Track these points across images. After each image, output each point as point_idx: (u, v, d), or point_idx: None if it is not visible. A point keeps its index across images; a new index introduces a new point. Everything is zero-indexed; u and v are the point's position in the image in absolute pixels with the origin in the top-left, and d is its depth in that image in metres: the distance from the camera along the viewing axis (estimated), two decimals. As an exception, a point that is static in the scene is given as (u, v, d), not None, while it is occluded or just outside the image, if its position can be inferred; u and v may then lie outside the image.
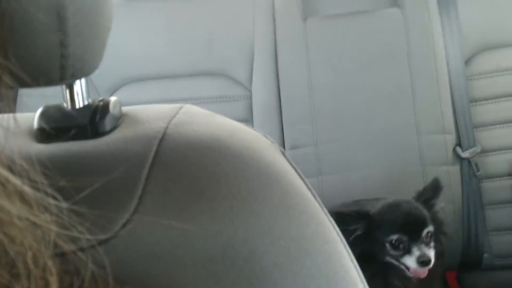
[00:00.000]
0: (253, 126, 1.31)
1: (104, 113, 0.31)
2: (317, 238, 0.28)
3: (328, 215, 0.31)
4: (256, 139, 0.32)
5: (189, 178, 0.27)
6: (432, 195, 1.03)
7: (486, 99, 1.27)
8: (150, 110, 0.33)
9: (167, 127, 0.30)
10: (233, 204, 0.27)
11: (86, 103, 0.32)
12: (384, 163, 1.25)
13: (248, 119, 1.33)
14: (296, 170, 0.32)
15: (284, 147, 1.29)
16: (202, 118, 0.32)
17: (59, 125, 0.31)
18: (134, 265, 0.24)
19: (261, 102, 1.33)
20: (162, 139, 0.29)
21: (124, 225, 0.25)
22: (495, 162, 1.26)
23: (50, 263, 0.20)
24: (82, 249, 0.23)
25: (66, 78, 0.27)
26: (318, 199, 0.31)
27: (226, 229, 0.26)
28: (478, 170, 1.24)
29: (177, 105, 0.33)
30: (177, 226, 0.25)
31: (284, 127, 1.30)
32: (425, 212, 1.00)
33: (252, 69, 1.34)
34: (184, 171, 0.28)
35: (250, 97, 1.34)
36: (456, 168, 1.25)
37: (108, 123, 0.31)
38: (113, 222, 0.25)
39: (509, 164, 1.23)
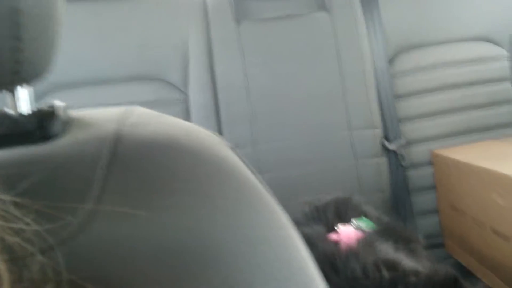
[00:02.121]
0: (192, 130, 1.32)
1: (52, 117, 0.31)
2: (272, 224, 0.29)
3: (279, 204, 0.33)
4: (208, 137, 0.33)
5: (148, 176, 0.27)
6: None
7: (409, 95, 1.38)
8: (99, 113, 0.33)
9: (119, 129, 0.30)
10: (193, 198, 0.27)
11: (31, 108, 0.31)
12: (320, 159, 1.32)
13: (186, 123, 1.33)
14: (246, 164, 0.33)
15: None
16: (154, 118, 0.33)
17: (5, 132, 0.30)
18: (92, 264, 0.24)
19: (198, 104, 1.34)
20: (117, 140, 0.29)
21: (80, 225, 0.25)
22: (418, 152, 1.37)
23: (2, 267, 0.20)
24: (40, 252, 0.23)
25: (16, 83, 0.26)
26: (268, 189, 0.33)
27: (188, 223, 0.26)
28: (404, 160, 1.34)
29: (126, 108, 0.34)
30: (134, 216, 0.25)
31: (222, 128, 1.33)
32: None
33: (187, 72, 1.34)
34: (143, 170, 0.28)
35: (187, 100, 1.35)
36: (384, 160, 1.34)
37: (57, 127, 0.31)
38: (70, 222, 0.25)
39: (430, 152, 1.35)
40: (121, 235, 0.25)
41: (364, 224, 0.82)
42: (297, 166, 1.31)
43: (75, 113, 0.34)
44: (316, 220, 0.84)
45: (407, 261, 0.72)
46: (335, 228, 0.81)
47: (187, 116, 1.35)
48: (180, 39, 1.34)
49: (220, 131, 1.33)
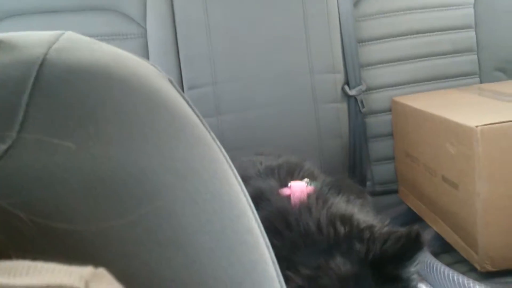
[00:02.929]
0: (150, 66, 1.28)
1: None
2: (204, 157, 0.30)
3: (216, 140, 0.33)
4: (142, 66, 0.32)
5: (73, 103, 0.27)
6: (399, 262, 0.64)
7: (372, 39, 1.35)
8: (28, 36, 0.31)
9: (46, 53, 0.28)
10: (121, 128, 0.27)
11: None
12: (280, 102, 1.30)
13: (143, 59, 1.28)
14: (183, 97, 0.33)
15: (182, 87, 1.28)
16: (86, 45, 0.31)
17: None
18: (20, 191, 0.24)
19: (156, 40, 1.29)
20: (41, 65, 0.27)
21: (5, 151, 0.24)
22: (378, 99, 1.36)
23: None
24: None
25: None
26: (206, 125, 0.33)
27: (115, 153, 0.26)
28: (363, 107, 1.34)
29: (58, 32, 0.32)
30: (62, 149, 0.25)
31: (181, 66, 1.29)
32: None
33: (145, 5, 1.28)
34: (68, 97, 0.27)
35: (145, 35, 1.29)
36: (344, 106, 1.34)
37: None
38: None
39: (390, 99, 1.34)
40: (49, 164, 0.25)
41: (315, 185, 0.82)
42: (257, 108, 1.29)
43: (2, 34, 0.31)
44: (269, 177, 0.83)
45: (360, 215, 0.72)
46: (287, 184, 0.80)
47: (145, 52, 1.30)
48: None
49: (179, 69, 1.29)
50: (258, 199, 0.74)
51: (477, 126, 0.86)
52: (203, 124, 0.33)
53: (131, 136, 0.27)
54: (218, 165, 0.31)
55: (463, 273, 0.90)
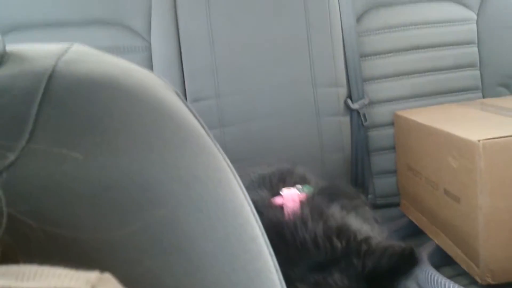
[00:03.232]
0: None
1: None
2: (208, 166, 0.30)
3: (220, 149, 0.33)
4: (148, 78, 0.33)
5: (81, 113, 0.27)
6: (392, 277, 0.65)
7: (374, 54, 1.36)
8: (38, 48, 0.32)
9: (56, 65, 0.29)
10: (127, 138, 0.28)
11: None
12: (282, 114, 1.31)
13: (148, 72, 1.29)
14: (189, 108, 0.33)
15: (186, 99, 1.29)
16: (93, 57, 0.32)
17: None
18: (28, 200, 0.24)
19: (161, 53, 1.31)
20: (51, 76, 0.28)
21: (15, 161, 0.25)
22: (381, 113, 1.37)
23: None
24: None
25: None
26: (211, 135, 0.33)
27: (121, 162, 0.27)
28: (366, 120, 1.34)
29: (66, 44, 0.33)
30: (70, 159, 0.26)
31: (185, 79, 1.30)
32: None
33: (150, 19, 1.30)
34: (76, 107, 0.28)
35: (149, 48, 1.31)
36: (346, 119, 1.34)
37: None
38: (2, 157, 0.25)
39: (393, 113, 1.35)
40: (57, 173, 0.25)
41: (308, 190, 0.81)
42: (260, 120, 1.30)
43: (12, 46, 0.32)
44: (261, 186, 0.83)
45: (356, 224, 0.72)
46: (280, 192, 0.79)
47: (149, 66, 1.31)
48: (142, -18, 1.28)
49: (183, 83, 1.30)
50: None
51: (479, 141, 0.86)
52: (208, 134, 0.33)
53: (137, 145, 0.28)
54: (222, 174, 0.31)
55: (464, 286, 0.90)
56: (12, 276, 0.19)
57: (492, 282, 0.90)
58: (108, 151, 0.27)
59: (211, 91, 1.29)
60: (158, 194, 0.27)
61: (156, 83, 0.33)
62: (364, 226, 0.74)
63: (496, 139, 0.86)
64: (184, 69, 1.29)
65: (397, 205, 1.37)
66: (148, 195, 0.27)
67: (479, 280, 0.91)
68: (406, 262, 0.63)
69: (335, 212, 0.74)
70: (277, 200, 0.77)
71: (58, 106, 0.27)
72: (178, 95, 0.35)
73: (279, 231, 0.69)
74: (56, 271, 0.20)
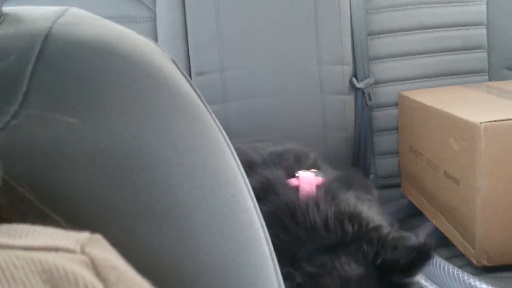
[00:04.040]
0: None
1: None
2: (203, 136, 0.30)
3: (216, 120, 0.33)
4: (145, 45, 0.33)
5: (76, 76, 0.27)
6: (408, 272, 0.63)
7: (382, 32, 1.35)
8: (34, 10, 0.32)
9: (51, 27, 0.29)
10: (122, 103, 0.28)
11: None
12: (286, 91, 1.30)
13: (152, 43, 1.29)
14: (185, 77, 0.33)
15: (190, 72, 1.29)
16: (90, 21, 0.32)
17: None
18: (22, 163, 0.25)
19: (166, 24, 1.29)
20: (46, 38, 0.28)
21: (8, 122, 0.25)
22: (385, 93, 1.36)
23: None
24: None
25: None
26: (207, 105, 0.33)
27: (116, 126, 0.27)
28: (370, 100, 1.34)
29: (63, 7, 0.33)
30: (64, 122, 0.26)
31: (190, 52, 1.29)
32: None
33: (156, -12, 1.28)
34: (71, 70, 0.28)
35: (154, 18, 1.30)
36: (351, 98, 1.33)
37: None
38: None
39: (397, 93, 1.34)
40: (51, 137, 0.25)
41: (322, 176, 0.80)
42: (263, 96, 1.29)
43: (9, 7, 0.32)
44: (276, 165, 0.81)
45: (369, 213, 0.71)
46: (295, 174, 0.78)
47: (154, 36, 1.30)
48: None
49: (187, 55, 1.29)
50: (266, 191, 0.72)
51: (481, 123, 0.86)
52: (204, 104, 0.33)
53: (131, 111, 0.28)
54: (217, 144, 0.32)
55: (460, 267, 0.90)
56: (4, 234, 0.19)
57: (487, 264, 0.91)
58: (103, 116, 0.27)
59: (216, 65, 1.28)
60: (151, 160, 0.27)
61: (153, 50, 0.33)
62: (377, 217, 0.73)
63: (498, 122, 0.86)
64: (189, 41, 1.28)
65: (397, 186, 1.37)
66: (142, 160, 0.27)
67: (474, 262, 0.92)
68: (423, 258, 0.62)
69: (350, 199, 0.73)
70: (293, 181, 0.76)
71: (52, 68, 0.27)
72: (176, 64, 0.35)
73: (292, 212, 0.68)
74: (47, 231, 0.20)
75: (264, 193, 0.71)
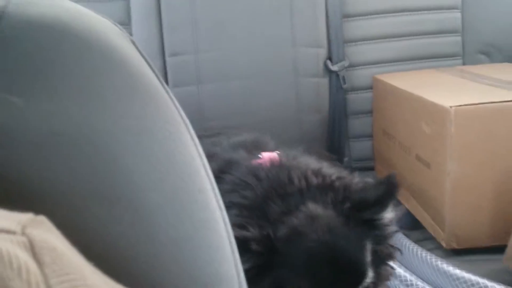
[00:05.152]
0: (131, 30, 1.26)
1: None
2: (159, 117, 0.30)
3: (175, 100, 0.33)
4: (101, 24, 0.32)
5: (27, 57, 0.27)
6: (378, 207, 0.64)
7: (357, 15, 1.34)
8: None
9: (6, 6, 0.28)
10: (74, 84, 0.27)
11: None
12: (261, 73, 1.29)
13: (125, 23, 1.26)
14: (144, 58, 0.33)
15: (163, 53, 1.26)
16: (46, 0, 0.32)
17: None
18: None
19: (139, 4, 1.27)
20: (1, 17, 0.27)
21: None
22: (360, 76, 1.36)
23: None
24: None
25: None
26: (167, 87, 0.33)
27: (67, 108, 0.26)
28: (345, 83, 1.33)
29: None
30: (12, 102, 0.25)
31: (163, 32, 1.26)
32: (362, 252, 0.62)
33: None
34: (22, 50, 0.27)
35: (127, -3, 1.27)
36: (325, 81, 1.33)
37: None
38: None
39: (372, 77, 1.34)
40: None
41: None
42: (238, 78, 1.28)
43: None
44: (239, 149, 0.83)
45: (330, 170, 0.73)
46: (259, 156, 0.79)
47: (127, 16, 1.27)
48: None
49: (161, 35, 1.27)
50: (228, 167, 0.73)
51: (451, 107, 0.86)
52: (162, 85, 0.33)
53: (85, 92, 0.27)
54: (173, 125, 0.31)
55: (430, 250, 0.92)
56: None
57: (456, 247, 0.93)
58: (53, 97, 0.26)
59: (190, 45, 1.26)
60: (105, 143, 0.27)
61: (110, 30, 0.32)
62: (340, 171, 0.75)
63: (469, 106, 0.86)
64: (163, 22, 1.26)
65: (372, 169, 1.38)
66: (94, 143, 0.26)
67: (444, 245, 0.93)
68: (392, 189, 0.63)
69: (312, 161, 0.76)
70: (257, 160, 0.77)
71: (4, 48, 0.27)
72: (134, 44, 0.34)
73: (255, 173, 0.70)
74: None
75: (227, 169, 0.73)
